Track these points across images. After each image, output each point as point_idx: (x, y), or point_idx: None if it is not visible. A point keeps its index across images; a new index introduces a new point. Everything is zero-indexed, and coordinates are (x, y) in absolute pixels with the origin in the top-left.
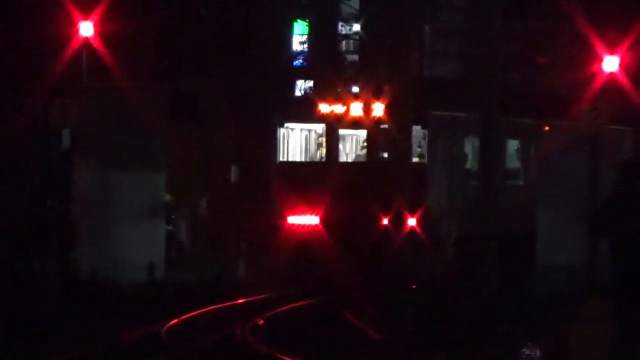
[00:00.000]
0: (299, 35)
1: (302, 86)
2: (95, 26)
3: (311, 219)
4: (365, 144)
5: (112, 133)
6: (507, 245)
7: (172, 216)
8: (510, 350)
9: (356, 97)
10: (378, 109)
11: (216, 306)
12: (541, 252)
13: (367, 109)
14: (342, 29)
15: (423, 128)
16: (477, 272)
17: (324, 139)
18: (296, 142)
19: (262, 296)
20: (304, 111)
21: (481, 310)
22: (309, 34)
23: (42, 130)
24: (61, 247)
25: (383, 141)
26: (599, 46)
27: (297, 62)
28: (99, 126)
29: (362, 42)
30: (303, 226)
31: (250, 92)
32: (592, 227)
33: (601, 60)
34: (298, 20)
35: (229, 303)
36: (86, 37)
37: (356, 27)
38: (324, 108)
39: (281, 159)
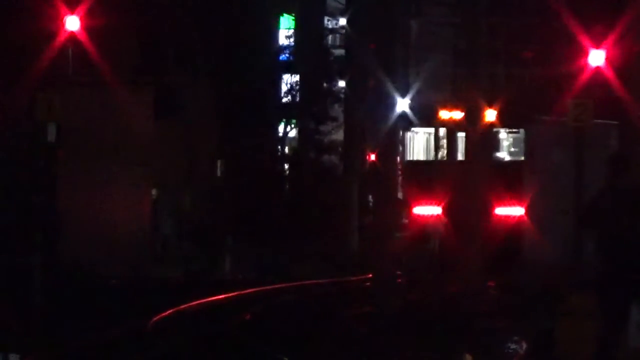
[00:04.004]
0: (285, 30)
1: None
2: (81, 20)
3: (434, 210)
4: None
5: (97, 127)
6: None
7: (158, 210)
8: (496, 344)
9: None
10: (490, 114)
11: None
12: (528, 245)
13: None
14: (329, 23)
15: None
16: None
17: (444, 140)
18: (420, 143)
19: None
20: (428, 116)
21: (468, 303)
22: (295, 28)
23: (27, 124)
24: (46, 242)
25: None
26: (584, 40)
27: (283, 56)
28: (84, 121)
29: (348, 36)
30: (427, 216)
31: (235, 86)
32: (580, 219)
33: (587, 54)
34: (284, 14)
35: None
36: (72, 32)
37: (342, 21)
38: (444, 114)
39: (408, 158)
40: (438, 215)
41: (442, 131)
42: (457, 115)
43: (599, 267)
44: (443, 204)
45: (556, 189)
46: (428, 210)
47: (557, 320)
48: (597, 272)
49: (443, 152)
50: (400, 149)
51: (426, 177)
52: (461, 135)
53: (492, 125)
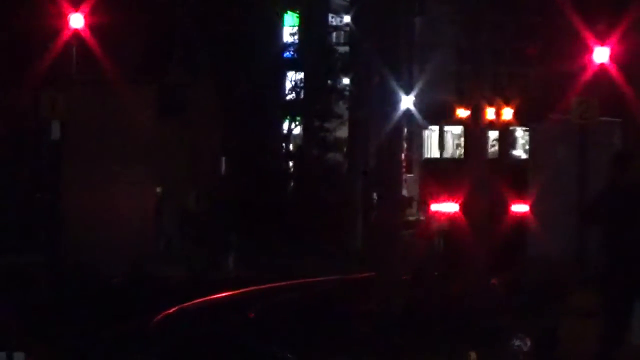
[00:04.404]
0: (290, 27)
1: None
2: (85, 18)
3: (451, 207)
4: (495, 142)
5: (100, 126)
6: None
7: (161, 208)
8: (500, 342)
9: (490, 103)
10: (507, 113)
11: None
12: (531, 243)
13: (498, 113)
14: (333, 20)
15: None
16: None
17: (462, 139)
18: (437, 141)
19: None
20: (445, 114)
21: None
22: (299, 26)
23: (31, 122)
24: (49, 240)
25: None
26: (589, 38)
27: (287, 53)
28: (87, 119)
29: (352, 33)
30: (444, 213)
31: (239, 84)
32: (584, 216)
33: (591, 51)
34: (288, 11)
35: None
36: (76, 29)
37: (346, 18)
38: (461, 112)
39: (426, 156)
40: (455, 212)
41: (460, 129)
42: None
43: (602, 265)
44: (460, 201)
45: (560, 186)
46: (445, 207)
47: (561, 318)
48: (600, 269)
49: (460, 150)
50: (405, 146)
51: (443, 174)
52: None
53: (509, 123)
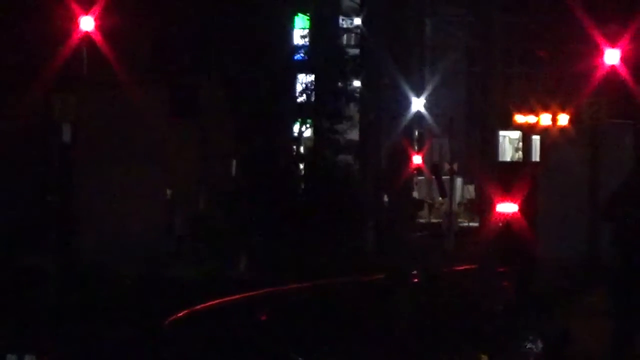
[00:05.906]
0: (300, 29)
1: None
2: (95, 21)
3: (512, 207)
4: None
5: (111, 128)
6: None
7: (172, 210)
8: (511, 343)
9: (546, 108)
10: (563, 119)
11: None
12: (543, 245)
13: (554, 119)
14: (343, 22)
15: None
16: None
17: (521, 143)
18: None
19: None
20: (503, 120)
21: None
22: (310, 28)
23: (42, 125)
24: (61, 242)
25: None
26: (600, 39)
27: (298, 56)
28: (98, 121)
29: (363, 35)
30: (506, 213)
31: (250, 86)
32: (602, 214)
33: (602, 53)
34: (299, 14)
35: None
36: (87, 32)
37: (357, 21)
38: (519, 118)
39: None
40: (514, 212)
41: (518, 134)
42: (532, 118)
43: (615, 264)
44: (519, 201)
45: (571, 187)
46: (508, 207)
47: (572, 318)
48: (613, 269)
49: (519, 154)
50: (417, 148)
51: (506, 176)
52: (536, 137)
53: (564, 129)
